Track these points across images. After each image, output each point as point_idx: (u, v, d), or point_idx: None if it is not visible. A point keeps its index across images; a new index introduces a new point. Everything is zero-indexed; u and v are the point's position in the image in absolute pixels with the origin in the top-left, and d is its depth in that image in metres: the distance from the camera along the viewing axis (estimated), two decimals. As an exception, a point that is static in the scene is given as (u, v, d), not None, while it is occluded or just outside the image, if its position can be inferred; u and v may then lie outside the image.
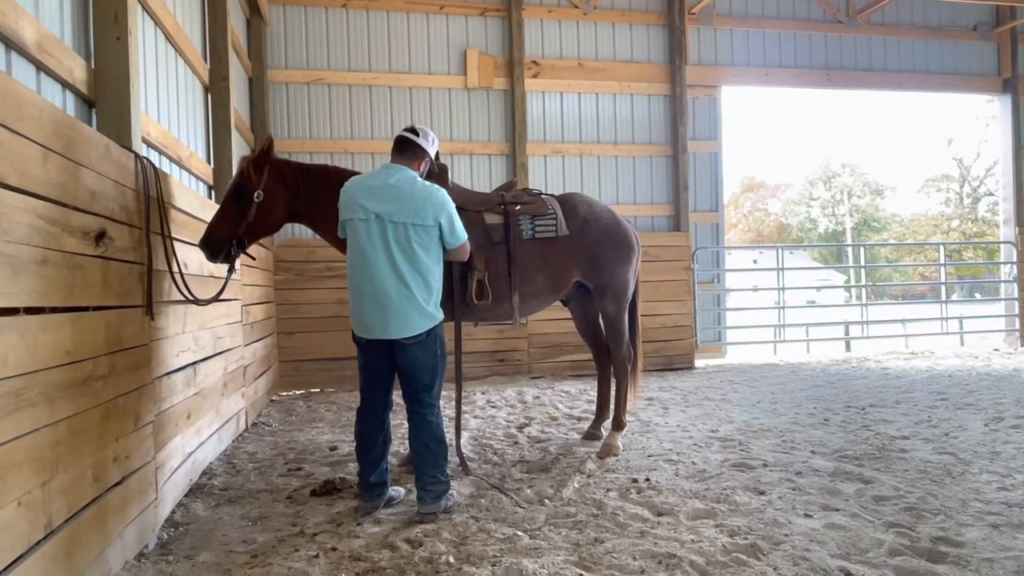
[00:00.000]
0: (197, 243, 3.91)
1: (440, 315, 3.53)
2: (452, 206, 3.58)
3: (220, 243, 3.86)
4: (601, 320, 4.99)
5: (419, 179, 3.59)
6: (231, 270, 4.05)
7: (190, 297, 3.63)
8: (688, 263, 9.43)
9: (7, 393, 1.95)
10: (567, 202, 4.77)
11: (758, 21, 10.35)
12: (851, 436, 5.06)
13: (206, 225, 4.01)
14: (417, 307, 3.40)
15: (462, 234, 3.62)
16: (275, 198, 3.95)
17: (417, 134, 3.66)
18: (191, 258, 3.91)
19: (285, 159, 4.15)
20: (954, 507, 3.45)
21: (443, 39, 9.09)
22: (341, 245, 4.35)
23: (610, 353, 4.98)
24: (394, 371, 3.57)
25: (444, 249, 3.60)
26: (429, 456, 3.48)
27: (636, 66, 9.78)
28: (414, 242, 3.41)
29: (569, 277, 4.70)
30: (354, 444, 3.71)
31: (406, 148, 3.64)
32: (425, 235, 3.45)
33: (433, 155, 3.83)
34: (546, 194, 4.79)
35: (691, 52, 9.99)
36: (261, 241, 6.41)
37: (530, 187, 5.32)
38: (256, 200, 3.85)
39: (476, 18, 9.19)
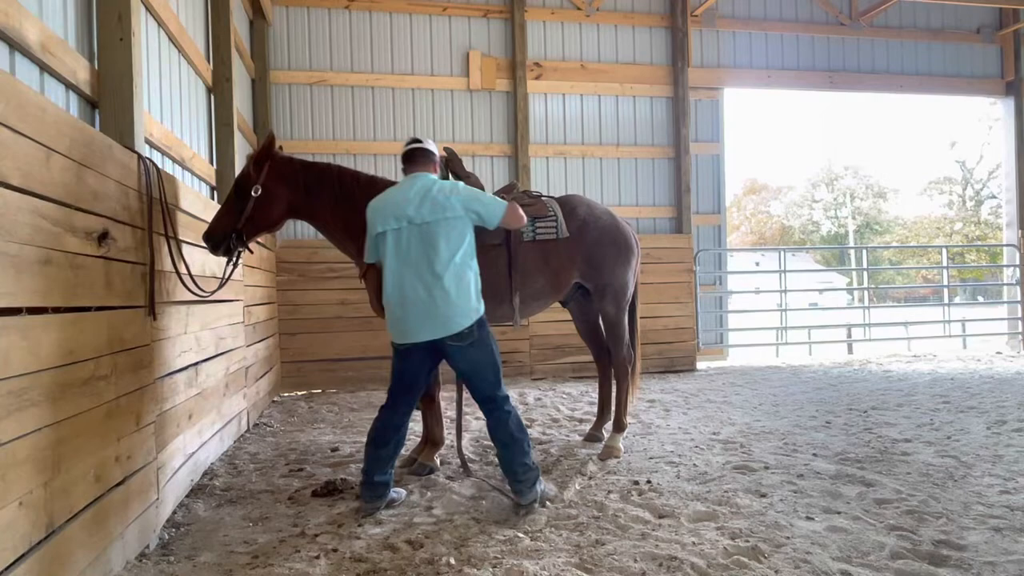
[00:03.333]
0: (202, 236, 3.97)
1: (481, 308, 3.57)
2: (476, 190, 3.67)
3: (220, 236, 3.97)
4: (601, 322, 4.99)
5: (439, 179, 3.70)
6: (231, 263, 4.10)
7: (193, 289, 3.65)
8: (690, 265, 9.43)
9: (9, 393, 1.96)
10: (567, 204, 4.78)
11: (760, 23, 10.34)
12: (853, 439, 5.06)
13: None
14: (455, 306, 3.42)
15: (498, 205, 3.61)
16: (273, 194, 4.01)
17: (421, 141, 3.77)
18: (194, 258, 3.92)
19: (288, 156, 4.20)
20: (956, 510, 3.44)
21: (446, 41, 9.10)
22: (342, 243, 4.38)
23: (610, 355, 4.98)
24: (429, 377, 3.66)
25: (490, 228, 3.67)
26: (516, 446, 3.50)
27: (638, 68, 9.78)
28: (444, 238, 3.46)
29: (569, 278, 4.70)
30: (363, 442, 3.76)
31: (419, 156, 3.73)
32: (456, 229, 3.49)
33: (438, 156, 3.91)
34: (546, 196, 4.80)
35: (693, 54, 9.99)
36: (264, 242, 6.42)
37: (531, 189, 5.34)
38: (254, 195, 3.92)
39: (479, 20, 9.20)
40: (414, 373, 3.58)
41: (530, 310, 4.66)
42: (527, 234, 4.50)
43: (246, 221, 3.95)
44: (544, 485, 3.65)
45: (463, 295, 3.45)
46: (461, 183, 3.68)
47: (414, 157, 3.71)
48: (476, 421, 5.94)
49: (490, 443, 5.07)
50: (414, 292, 3.42)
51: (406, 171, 3.74)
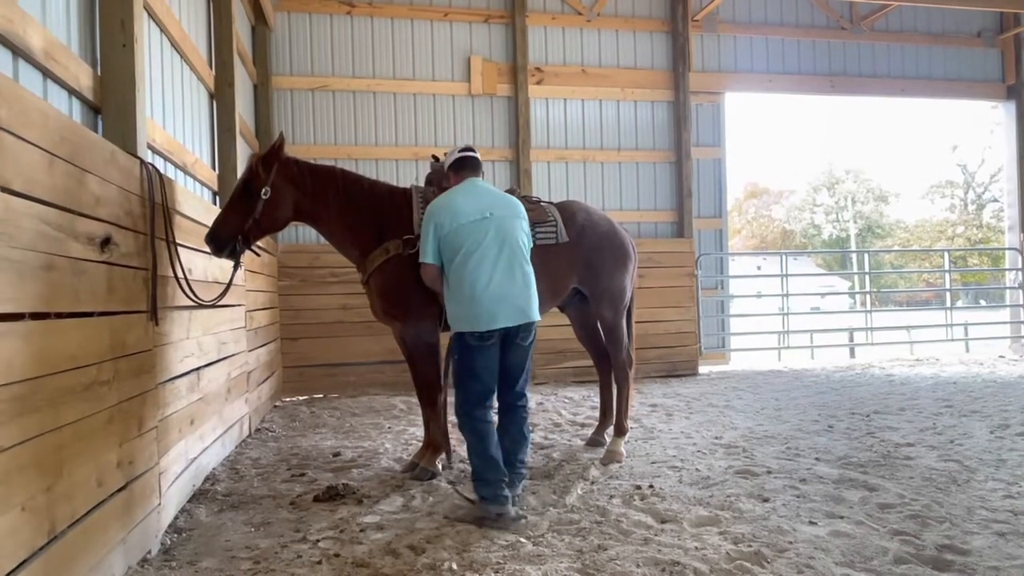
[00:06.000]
0: (204, 239, 3.94)
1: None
2: None
3: (226, 238, 3.90)
4: (600, 327, 4.99)
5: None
6: (236, 266, 4.07)
7: (195, 299, 3.64)
8: (692, 269, 9.43)
9: (12, 398, 1.96)
10: (566, 209, 4.79)
11: (761, 28, 10.37)
12: (855, 443, 5.04)
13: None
14: (534, 297, 3.70)
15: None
16: (282, 196, 3.99)
17: (474, 150, 3.97)
18: (196, 263, 3.92)
19: (294, 158, 4.19)
20: (959, 515, 3.43)
21: (447, 46, 9.13)
22: (344, 247, 4.38)
23: (610, 359, 4.98)
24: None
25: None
26: (524, 444, 3.75)
27: (640, 72, 9.80)
28: (519, 238, 3.69)
29: (567, 283, 4.71)
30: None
31: (476, 163, 3.93)
32: (523, 231, 3.75)
33: None
34: (545, 201, 4.81)
35: (695, 58, 10.01)
36: (266, 247, 6.42)
37: (532, 194, 5.34)
38: (263, 197, 3.90)
39: (480, 25, 9.22)
40: (494, 362, 3.62)
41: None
42: (527, 239, 4.52)
43: (253, 223, 3.93)
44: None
45: (536, 291, 3.74)
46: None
47: (472, 164, 3.89)
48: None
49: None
50: (507, 278, 3.56)
51: (461, 175, 3.85)
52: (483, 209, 3.62)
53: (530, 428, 3.75)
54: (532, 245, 3.94)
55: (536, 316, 3.68)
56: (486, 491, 3.45)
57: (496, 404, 3.76)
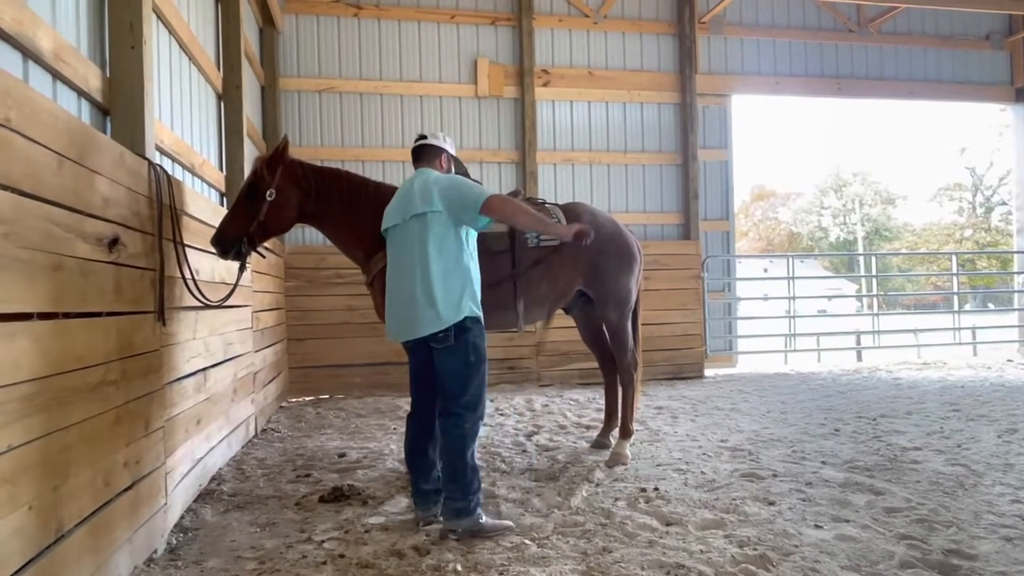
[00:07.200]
0: (209, 241, 3.95)
1: (469, 312, 3.29)
2: (450, 177, 3.52)
3: (231, 241, 3.89)
4: (605, 329, 4.99)
5: (433, 172, 3.60)
6: (242, 268, 4.08)
7: (202, 299, 3.66)
8: (698, 272, 9.41)
9: (20, 398, 1.97)
10: (570, 211, 4.79)
11: (768, 30, 10.35)
12: (862, 447, 5.02)
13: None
14: (431, 306, 3.24)
15: (479, 192, 3.37)
16: (287, 198, 3.99)
17: (426, 137, 3.76)
18: (203, 264, 3.94)
19: (299, 160, 4.19)
20: (966, 519, 3.41)
21: (454, 48, 9.15)
22: (349, 249, 4.40)
23: (615, 361, 4.97)
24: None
25: (477, 218, 3.37)
26: (448, 469, 3.29)
27: (646, 75, 9.79)
28: (432, 233, 3.30)
29: (572, 285, 4.71)
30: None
31: (422, 153, 3.73)
32: (439, 224, 3.31)
33: (452, 151, 3.85)
34: (550, 203, 4.82)
35: (701, 61, 10.00)
36: (272, 248, 6.44)
37: (537, 196, 5.34)
38: (268, 199, 3.90)
39: (487, 27, 9.24)
40: (422, 371, 3.51)
41: (534, 316, 4.67)
42: (531, 240, 4.52)
43: (258, 225, 3.95)
44: (477, 525, 3.22)
45: (445, 296, 3.25)
46: (437, 172, 3.59)
47: (420, 154, 3.74)
48: (483, 428, 5.93)
49: (496, 449, 5.09)
50: (400, 288, 3.39)
51: (415, 168, 3.75)
52: (395, 215, 3.52)
53: (460, 454, 3.25)
54: (481, 203, 3.32)
55: (425, 331, 3.25)
56: (413, 500, 3.56)
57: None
